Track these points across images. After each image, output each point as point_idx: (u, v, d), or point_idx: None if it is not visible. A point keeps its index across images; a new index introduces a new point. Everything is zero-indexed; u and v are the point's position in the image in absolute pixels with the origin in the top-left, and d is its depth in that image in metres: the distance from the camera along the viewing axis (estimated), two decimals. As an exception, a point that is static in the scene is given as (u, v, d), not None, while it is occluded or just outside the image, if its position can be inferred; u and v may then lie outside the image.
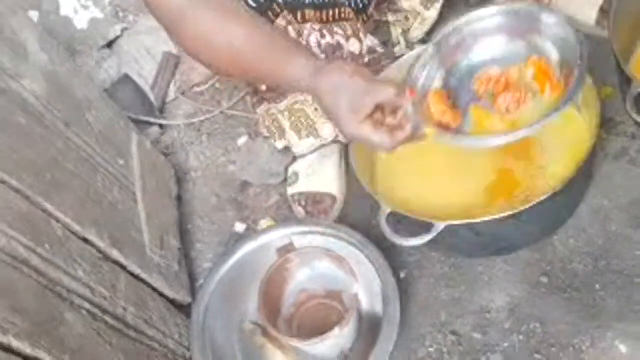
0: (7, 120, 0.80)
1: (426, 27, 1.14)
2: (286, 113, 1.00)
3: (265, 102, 1.01)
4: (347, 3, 0.96)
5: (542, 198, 0.85)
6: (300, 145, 1.02)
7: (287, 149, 1.09)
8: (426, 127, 0.83)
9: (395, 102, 0.79)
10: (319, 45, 0.90)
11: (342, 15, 0.94)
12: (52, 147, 0.87)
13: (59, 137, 0.89)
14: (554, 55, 0.85)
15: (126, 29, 1.36)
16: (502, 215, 0.85)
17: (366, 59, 0.99)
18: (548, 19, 0.84)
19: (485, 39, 0.88)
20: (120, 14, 1.36)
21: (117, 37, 1.35)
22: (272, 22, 0.86)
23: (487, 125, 0.87)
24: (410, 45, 1.14)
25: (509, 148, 1.02)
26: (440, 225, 0.85)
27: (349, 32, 0.95)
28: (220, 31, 0.80)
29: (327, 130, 1.00)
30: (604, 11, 1.09)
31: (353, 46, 0.96)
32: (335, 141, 1.01)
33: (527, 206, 0.84)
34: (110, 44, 1.36)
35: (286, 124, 1.01)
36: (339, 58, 0.94)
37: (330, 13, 0.93)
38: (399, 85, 0.80)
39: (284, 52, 0.80)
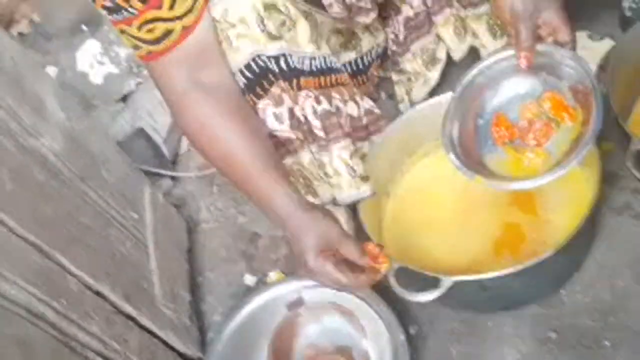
0: (27, 177, 0.83)
1: (428, 88, 1.17)
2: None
3: None
4: (342, 69, 0.99)
5: (547, 254, 0.86)
6: None
7: None
8: (475, 176, 0.86)
9: (358, 259, 0.83)
10: (315, 111, 0.93)
11: (339, 81, 0.97)
12: (68, 202, 0.89)
13: (75, 192, 0.92)
14: (564, 84, 0.89)
15: (140, 83, 1.40)
16: (509, 271, 0.86)
17: (364, 121, 1.01)
18: (555, 53, 0.88)
19: (502, 82, 0.92)
20: (135, 70, 1.40)
21: (132, 92, 1.40)
22: (267, 90, 0.89)
23: (525, 162, 0.90)
24: (413, 105, 1.17)
25: (515, 202, 1.04)
26: (448, 281, 0.86)
27: (346, 96, 0.98)
28: (217, 125, 0.85)
29: (325, 193, 1.01)
30: (602, 69, 1.12)
31: (351, 109, 0.98)
32: (334, 204, 1.03)
33: (533, 262, 0.86)
34: (124, 98, 1.40)
35: None
36: (336, 124, 0.97)
37: (327, 79, 0.95)
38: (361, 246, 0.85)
39: (274, 179, 0.85)
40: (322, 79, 0.94)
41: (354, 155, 0.99)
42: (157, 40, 0.82)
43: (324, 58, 0.94)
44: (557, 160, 0.86)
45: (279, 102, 0.90)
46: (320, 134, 0.95)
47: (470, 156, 0.88)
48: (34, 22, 1.45)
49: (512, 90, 0.92)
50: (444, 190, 1.06)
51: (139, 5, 0.79)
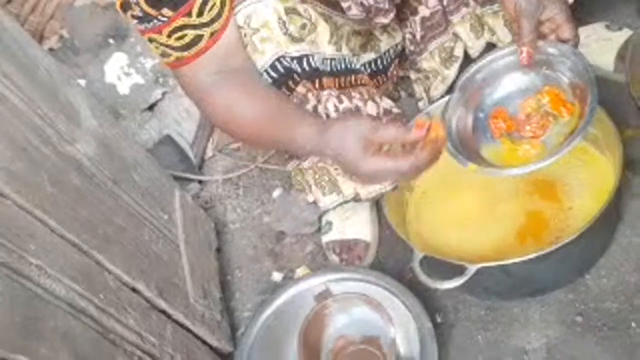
0: (65, 181, 0.87)
1: (445, 86, 1.18)
2: (310, 171, 1.04)
3: (295, 158, 1.06)
4: (362, 70, 1.01)
5: (570, 239, 0.87)
6: (324, 200, 1.06)
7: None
8: (468, 163, 0.87)
9: (403, 137, 0.82)
10: (337, 109, 0.95)
11: (358, 81, 1.00)
12: (103, 204, 0.93)
13: (109, 195, 0.95)
14: (564, 80, 0.90)
15: (166, 92, 1.44)
16: (532, 256, 0.87)
17: (384, 120, 1.03)
18: (555, 50, 0.89)
19: (503, 77, 0.94)
20: (161, 79, 1.45)
21: (158, 100, 1.44)
22: (293, 90, 0.92)
23: (520, 153, 0.91)
24: (432, 102, 1.19)
25: (537, 190, 1.05)
26: (472, 268, 0.88)
27: (366, 95, 1.00)
28: (240, 105, 0.89)
29: (349, 189, 1.03)
30: (621, 57, 1.13)
31: (370, 109, 1.00)
32: (356, 199, 1.05)
33: (555, 247, 0.87)
34: (151, 107, 1.44)
35: (311, 181, 1.05)
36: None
37: (347, 79, 0.98)
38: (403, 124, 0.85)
39: (293, 117, 0.89)
40: (342, 79, 0.97)
41: None
42: (187, 47, 0.86)
43: (344, 59, 0.97)
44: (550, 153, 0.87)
45: (304, 101, 0.93)
46: None
47: (468, 147, 0.90)
48: (63, 37, 1.51)
49: (513, 86, 0.93)
50: (466, 182, 1.07)
51: (169, 13, 0.82)
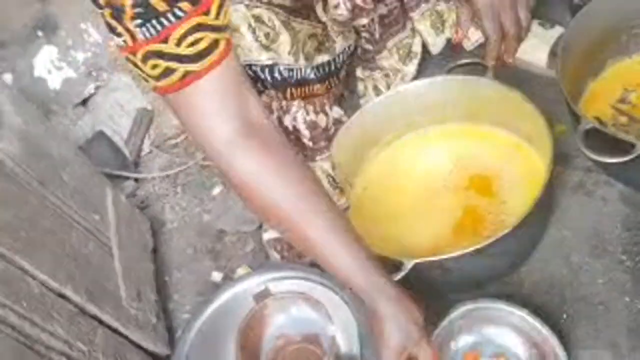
0: (-17, 182, 0.82)
1: (406, 83, 1.16)
2: None
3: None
4: (316, 79, 0.97)
5: (503, 234, 0.88)
6: None
7: None
8: None
9: None
10: (305, 121, 0.93)
11: (313, 91, 0.97)
12: (27, 206, 0.88)
13: (35, 196, 0.91)
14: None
15: (100, 86, 1.39)
16: (467, 251, 0.88)
17: (332, 131, 1.03)
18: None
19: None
20: (94, 73, 1.40)
21: (91, 95, 1.39)
22: None
23: None
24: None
25: (473, 185, 1.07)
26: (409, 263, 0.88)
27: (318, 107, 0.99)
28: (277, 187, 0.72)
29: None
30: (554, 54, 1.15)
31: (321, 121, 0.99)
32: None
33: (488, 242, 0.88)
34: (84, 102, 1.39)
35: None
36: (321, 134, 0.97)
37: (305, 90, 0.95)
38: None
39: (355, 249, 0.76)
40: (301, 89, 0.95)
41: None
42: (199, 56, 0.66)
43: (301, 69, 0.95)
44: None
45: (268, 112, 0.85)
46: (309, 144, 0.96)
47: None
48: (-14, 29, 1.43)
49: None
50: (405, 179, 1.08)
51: (187, 7, 0.64)
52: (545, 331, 0.87)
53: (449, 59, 1.16)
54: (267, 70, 0.87)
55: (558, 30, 1.19)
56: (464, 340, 0.93)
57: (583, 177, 1.07)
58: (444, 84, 1.06)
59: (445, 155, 1.09)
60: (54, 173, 0.99)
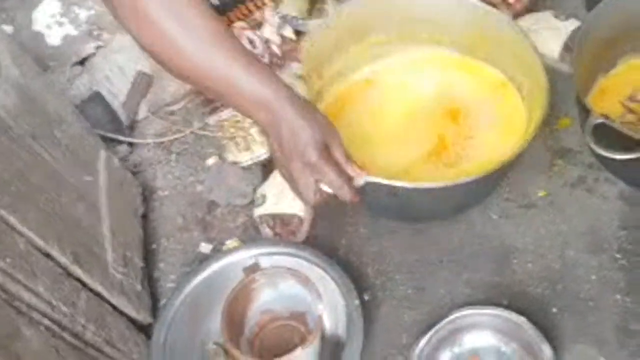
0: (-27, 132, 0.80)
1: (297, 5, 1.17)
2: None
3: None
4: None
5: (460, 181, 0.87)
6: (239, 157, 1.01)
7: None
8: None
9: (344, 163, 0.81)
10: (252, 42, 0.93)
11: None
12: (18, 159, 0.86)
13: (26, 151, 0.89)
14: None
15: (100, 47, 1.36)
16: (414, 185, 0.87)
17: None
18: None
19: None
20: (95, 32, 1.36)
21: (90, 55, 1.36)
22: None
23: None
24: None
25: (448, 113, 1.06)
26: (360, 180, 0.84)
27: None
28: (176, 21, 0.71)
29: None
30: (568, 47, 1.14)
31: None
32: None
33: (438, 185, 0.88)
34: (82, 61, 1.36)
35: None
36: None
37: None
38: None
39: (246, 66, 0.74)
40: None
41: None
42: None
43: None
44: None
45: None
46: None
47: None
48: (-13, -22, 1.39)
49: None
50: (387, 101, 1.08)
51: None
52: (531, 330, 0.86)
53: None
54: None
55: (572, 23, 1.17)
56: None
57: (584, 173, 1.06)
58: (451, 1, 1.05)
59: (430, 82, 1.09)
60: (47, 129, 0.96)
